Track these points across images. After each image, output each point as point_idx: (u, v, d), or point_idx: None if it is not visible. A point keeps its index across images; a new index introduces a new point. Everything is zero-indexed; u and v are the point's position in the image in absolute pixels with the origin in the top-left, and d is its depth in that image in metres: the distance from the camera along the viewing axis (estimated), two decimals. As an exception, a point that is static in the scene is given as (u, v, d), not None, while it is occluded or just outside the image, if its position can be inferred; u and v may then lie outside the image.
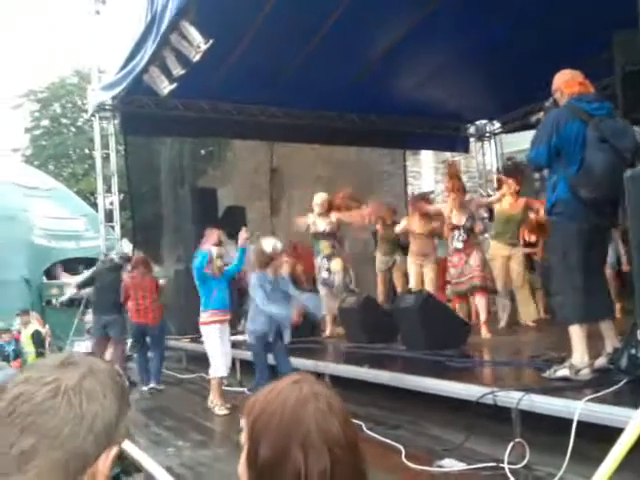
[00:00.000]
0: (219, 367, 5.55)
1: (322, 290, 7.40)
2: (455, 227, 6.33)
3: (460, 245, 6.27)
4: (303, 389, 0.96)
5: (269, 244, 5.10)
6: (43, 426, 0.81)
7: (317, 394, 0.96)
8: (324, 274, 7.33)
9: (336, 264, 7.26)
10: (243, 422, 0.98)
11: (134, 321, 7.20)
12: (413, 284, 7.19)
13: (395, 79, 8.60)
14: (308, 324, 7.50)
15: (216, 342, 5.57)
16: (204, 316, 5.61)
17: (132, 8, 7.64)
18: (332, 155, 13.50)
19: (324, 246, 7.31)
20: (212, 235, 5.89)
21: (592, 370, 3.47)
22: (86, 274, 9.93)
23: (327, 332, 7.49)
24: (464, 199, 6.53)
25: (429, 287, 6.93)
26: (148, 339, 7.25)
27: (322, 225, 7.32)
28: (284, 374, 4.38)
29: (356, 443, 0.97)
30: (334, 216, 7.33)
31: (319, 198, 7.45)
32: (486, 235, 7.85)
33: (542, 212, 6.29)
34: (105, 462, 0.86)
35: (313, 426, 0.92)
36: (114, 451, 0.87)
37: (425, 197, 7.94)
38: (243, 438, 0.97)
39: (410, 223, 7.31)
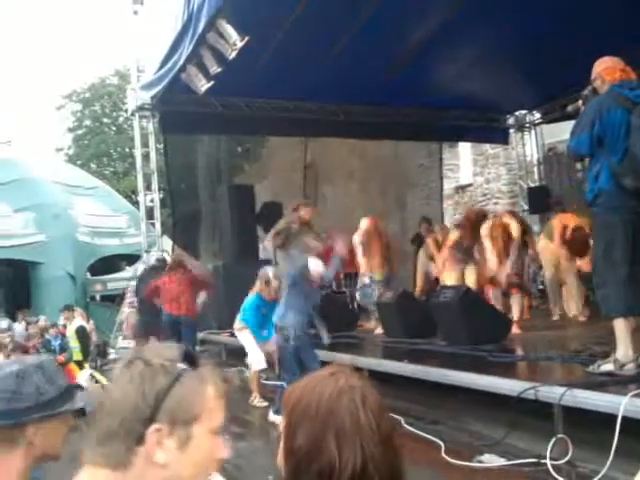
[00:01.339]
0: (256, 361, 5.65)
1: (364, 290, 7.56)
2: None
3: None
4: (339, 381, 0.97)
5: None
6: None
7: (353, 387, 0.97)
8: (367, 280, 7.44)
9: (379, 275, 7.39)
10: (282, 413, 1.00)
11: (167, 311, 7.31)
12: None
13: (432, 71, 8.49)
14: (346, 318, 7.57)
15: (250, 338, 5.68)
16: (237, 324, 5.87)
17: (169, 8, 7.73)
18: (366, 150, 13.46)
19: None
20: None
21: (637, 365, 3.38)
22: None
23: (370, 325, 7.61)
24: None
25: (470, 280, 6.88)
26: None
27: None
28: (311, 369, 4.37)
29: (391, 437, 0.96)
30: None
31: (364, 225, 7.49)
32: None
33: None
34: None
35: (347, 419, 0.92)
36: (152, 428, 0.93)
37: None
38: (281, 427, 0.99)
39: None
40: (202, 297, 7.63)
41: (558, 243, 6.74)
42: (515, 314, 6.18)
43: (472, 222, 6.55)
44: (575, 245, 6.46)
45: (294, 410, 0.96)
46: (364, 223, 7.51)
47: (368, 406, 0.95)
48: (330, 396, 0.95)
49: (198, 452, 0.95)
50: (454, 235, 6.89)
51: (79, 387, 1.49)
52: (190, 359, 0.99)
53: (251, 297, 5.86)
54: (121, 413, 0.93)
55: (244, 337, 5.89)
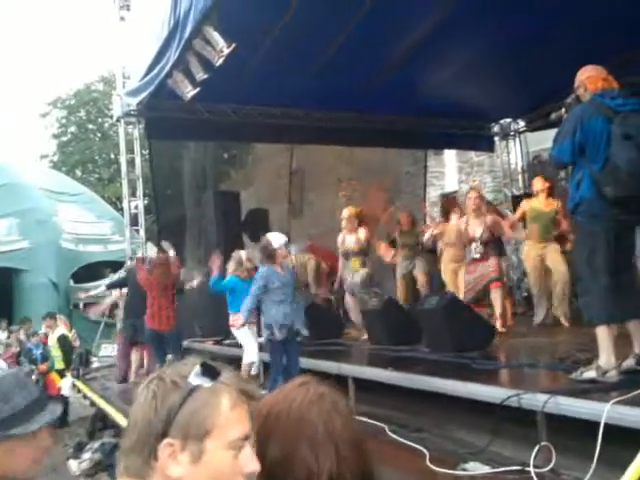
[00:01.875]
0: (252, 353, 5.80)
1: (348, 296, 7.51)
2: (472, 240, 6.29)
3: (477, 256, 6.25)
4: (310, 390, 0.97)
5: (277, 239, 5.10)
6: None
7: (322, 395, 0.97)
8: (349, 280, 7.35)
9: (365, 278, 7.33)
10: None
11: (149, 326, 7.20)
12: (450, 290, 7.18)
13: (418, 79, 8.54)
14: (332, 326, 7.56)
15: (249, 333, 5.90)
16: (233, 318, 5.94)
17: (156, 14, 7.71)
18: (353, 156, 13.49)
19: (354, 264, 7.27)
20: (215, 261, 6.17)
21: (620, 372, 3.40)
22: (117, 276, 10.05)
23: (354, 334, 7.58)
24: (483, 212, 6.47)
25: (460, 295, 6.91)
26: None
27: (351, 242, 7.25)
28: (292, 375, 4.41)
29: (361, 442, 0.98)
30: (362, 233, 7.26)
31: (346, 213, 7.36)
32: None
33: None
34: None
35: (320, 427, 0.92)
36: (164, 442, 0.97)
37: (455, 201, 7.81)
38: (252, 441, 0.98)
39: (444, 232, 7.28)
40: (197, 278, 7.59)
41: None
42: (497, 308, 6.19)
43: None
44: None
45: (266, 422, 0.96)
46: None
47: (339, 413, 0.95)
48: (301, 405, 0.95)
49: (212, 466, 0.96)
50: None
51: (48, 400, 1.42)
52: (210, 372, 1.01)
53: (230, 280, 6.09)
54: (138, 429, 0.99)
55: (242, 333, 5.94)
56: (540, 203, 6.87)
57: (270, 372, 5.21)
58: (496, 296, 6.20)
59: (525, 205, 7.05)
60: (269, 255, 4.97)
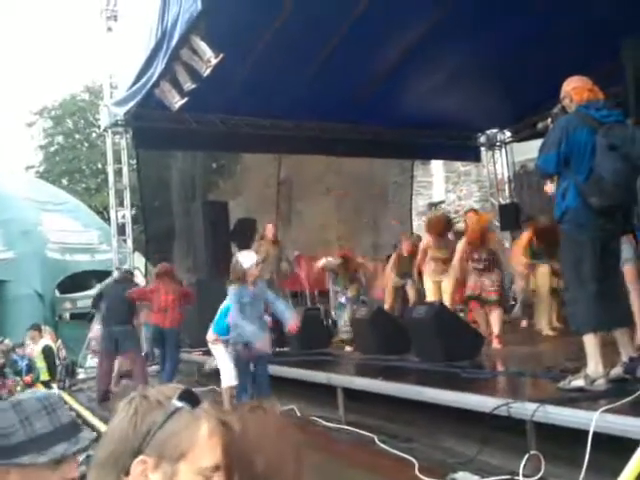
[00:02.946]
0: (227, 377, 5.62)
1: (339, 311, 7.72)
2: (474, 259, 6.32)
3: (481, 266, 6.26)
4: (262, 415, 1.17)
5: (247, 259, 5.10)
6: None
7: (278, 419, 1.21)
8: (342, 299, 7.59)
9: (353, 290, 7.56)
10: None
11: (153, 323, 7.25)
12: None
13: (405, 90, 8.61)
14: (320, 335, 7.54)
15: (223, 351, 5.68)
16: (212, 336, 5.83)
17: (143, 24, 7.71)
18: (342, 167, 13.54)
19: (342, 278, 7.57)
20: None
21: (607, 380, 3.42)
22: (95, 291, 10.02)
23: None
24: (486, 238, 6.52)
25: (445, 297, 6.93)
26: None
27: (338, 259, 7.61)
28: (262, 392, 4.41)
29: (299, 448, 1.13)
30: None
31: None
32: None
33: None
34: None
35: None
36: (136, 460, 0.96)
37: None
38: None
39: (429, 247, 7.32)
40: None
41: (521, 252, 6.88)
42: (495, 328, 6.22)
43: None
44: (547, 237, 6.50)
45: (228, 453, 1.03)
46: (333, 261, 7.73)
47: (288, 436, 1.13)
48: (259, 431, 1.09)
49: None
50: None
51: (77, 430, 1.33)
52: (191, 398, 1.02)
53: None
54: (112, 444, 0.98)
55: (217, 350, 5.83)
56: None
57: (236, 389, 5.23)
58: (495, 318, 6.24)
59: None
60: (239, 277, 4.97)
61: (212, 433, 1.00)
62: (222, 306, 5.81)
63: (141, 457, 0.96)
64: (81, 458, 1.39)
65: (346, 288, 7.64)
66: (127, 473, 0.96)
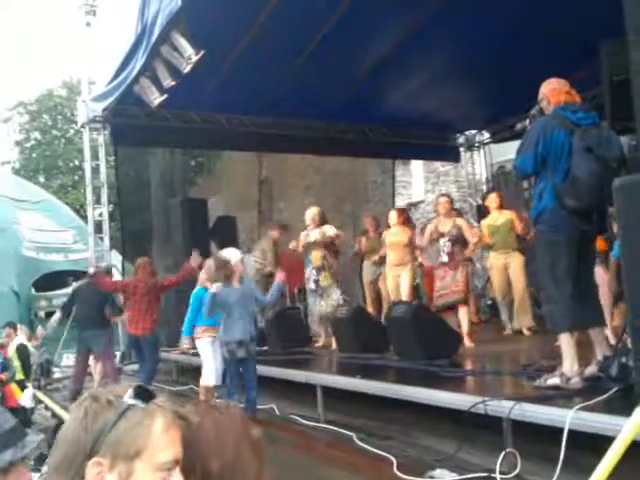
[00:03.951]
0: (208, 375, 5.57)
1: (310, 300, 7.38)
2: (441, 235, 6.38)
3: (445, 258, 6.32)
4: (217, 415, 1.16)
5: (233, 255, 5.06)
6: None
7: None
8: (312, 285, 7.19)
9: (325, 279, 7.08)
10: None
11: (130, 332, 7.11)
12: (392, 297, 7.20)
13: (385, 91, 8.64)
14: (300, 334, 7.53)
15: (208, 348, 5.63)
16: (198, 330, 5.78)
17: (123, 19, 7.62)
18: (323, 165, 13.54)
19: (315, 257, 7.12)
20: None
21: (583, 378, 3.47)
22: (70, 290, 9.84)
23: (320, 342, 7.48)
24: (452, 215, 6.59)
25: (404, 293, 7.00)
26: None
27: (313, 235, 7.18)
28: (250, 389, 4.47)
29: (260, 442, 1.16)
30: (331, 229, 7.25)
31: (310, 213, 7.34)
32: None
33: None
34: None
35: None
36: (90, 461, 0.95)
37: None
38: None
39: (388, 234, 7.37)
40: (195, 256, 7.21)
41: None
42: (464, 326, 6.29)
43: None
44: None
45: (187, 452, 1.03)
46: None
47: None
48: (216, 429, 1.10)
49: None
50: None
51: (23, 434, 1.26)
52: (144, 394, 0.99)
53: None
54: (65, 447, 0.96)
55: (202, 346, 5.79)
56: (493, 219, 7.12)
57: (227, 386, 5.21)
58: (463, 316, 6.32)
59: (484, 225, 7.25)
60: (226, 275, 4.91)
61: (168, 427, 0.98)
62: (192, 295, 5.81)
63: (95, 459, 0.93)
64: (31, 463, 1.34)
65: (318, 272, 7.09)
66: (82, 476, 0.93)
